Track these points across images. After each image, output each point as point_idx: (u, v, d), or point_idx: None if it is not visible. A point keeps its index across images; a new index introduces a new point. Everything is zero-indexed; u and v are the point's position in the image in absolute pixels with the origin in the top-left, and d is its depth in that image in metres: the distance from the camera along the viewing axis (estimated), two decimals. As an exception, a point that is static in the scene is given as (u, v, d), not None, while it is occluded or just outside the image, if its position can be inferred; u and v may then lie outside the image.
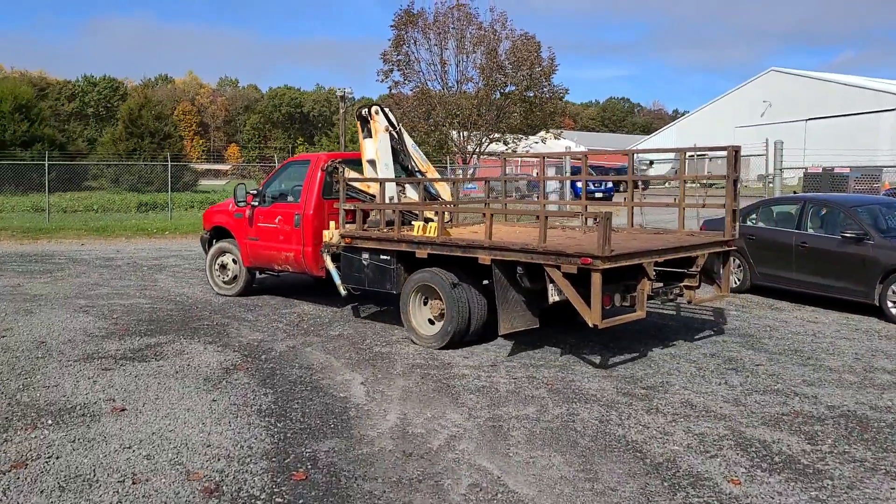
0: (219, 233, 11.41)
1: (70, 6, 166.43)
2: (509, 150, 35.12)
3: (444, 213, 8.25)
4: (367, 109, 9.78)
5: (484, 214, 8.10)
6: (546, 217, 7.26)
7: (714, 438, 5.40)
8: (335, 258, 9.24)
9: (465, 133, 35.28)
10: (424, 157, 10.62)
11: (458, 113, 34.11)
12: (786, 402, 6.24)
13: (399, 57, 35.11)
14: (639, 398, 6.36)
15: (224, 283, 11.33)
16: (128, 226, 22.39)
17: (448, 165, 31.05)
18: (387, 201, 9.12)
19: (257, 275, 11.40)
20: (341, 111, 24.77)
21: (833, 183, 16.43)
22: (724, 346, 8.27)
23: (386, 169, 9.67)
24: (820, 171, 17.29)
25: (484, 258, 7.43)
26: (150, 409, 5.91)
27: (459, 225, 10.29)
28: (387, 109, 9.90)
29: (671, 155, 47.66)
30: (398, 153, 10.03)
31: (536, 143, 36.98)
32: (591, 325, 6.79)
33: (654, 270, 7.44)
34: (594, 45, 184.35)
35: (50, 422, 5.59)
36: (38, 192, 29.12)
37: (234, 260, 11.16)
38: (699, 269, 7.92)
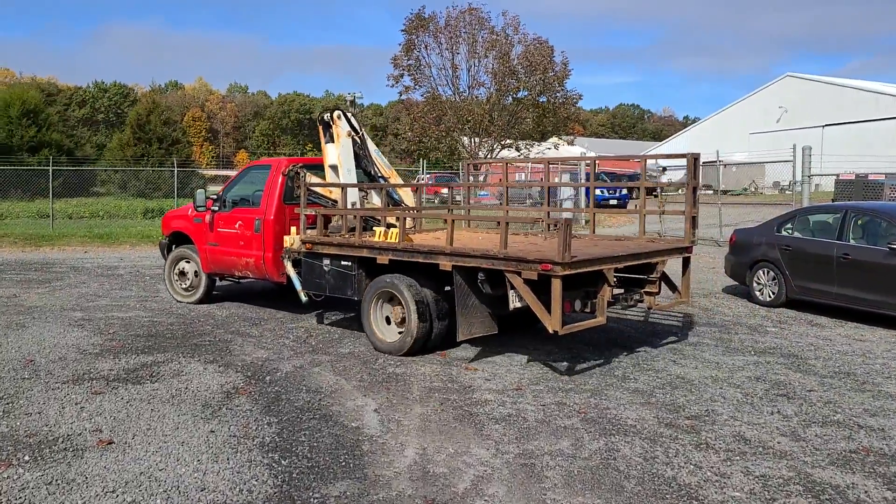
0: (178, 239, 11.15)
1: (81, 13, 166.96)
2: (521, 157, 34.49)
3: (405, 218, 8.13)
4: (328, 114, 9.68)
5: (445, 220, 7.95)
6: (507, 223, 7.19)
7: (779, 482, 4.74)
8: (296, 264, 9.10)
9: (477, 139, 34.69)
10: (388, 162, 10.55)
11: (470, 118, 33.53)
12: (851, 437, 5.57)
13: (410, 62, 34.59)
14: (684, 430, 5.70)
15: (183, 289, 11.07)
16: (133, 232, 21.87)
17: (459, 171, 30.42)
18: (349, 207, 9.08)
19: (217, 281, 11.10)
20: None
21: (867, 190, 15.70)
22: (769, 367, 7.60)
23: (348, 174, 9.59)
24: (853, 178, 16.57)
25: (445, 264, 7.37)
26: (140, 441, 5.29)
27: (423, 230, 10.12)
28: (349, 114, 9.78)
29: (682, 162, 46.96)
30: (361, 158, 9.95)
31: (549, 149, 36.35)
32: (550, 331, 6.75)
33: (616, 277, 7.54)
34: (603, 51, 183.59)
35: (27, 458, 4.98)
36: (44, 198, 28.65)
37: (193, 266, 10.91)
38: (659, 276, 7.96)
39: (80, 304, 10.86)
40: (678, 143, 58.74)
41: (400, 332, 7.94)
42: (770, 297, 10.86)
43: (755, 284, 11.12)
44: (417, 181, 30.36)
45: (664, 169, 45.74)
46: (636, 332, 9.24)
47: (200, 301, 10.88)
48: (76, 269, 15.00)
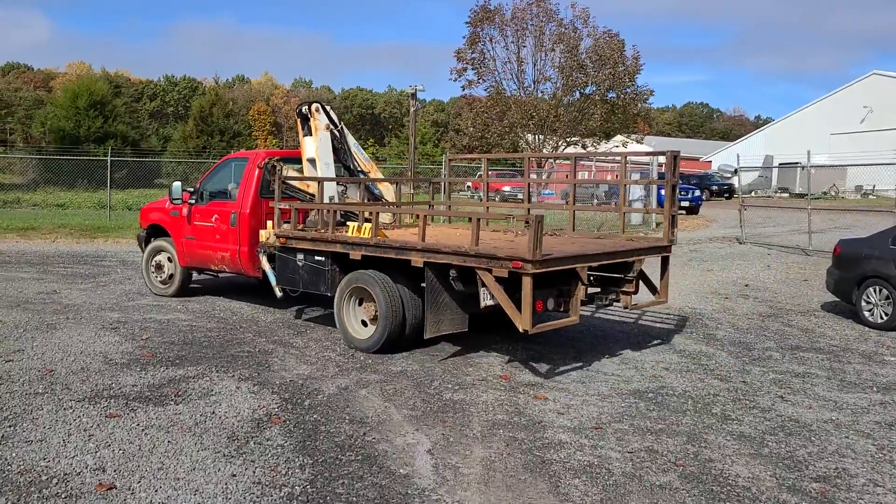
0: (156, 231, 10.99)
1: (158, 10, 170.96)
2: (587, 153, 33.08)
3: (377, 213, 7.91)
4: (306, 106, 9.53)
5: (417, 216, 7.80)
6: (479, 220, 7.07)
7: (962, 591, 3.58)
8: (271, 258, 8.95)
9: (541, 136, 33.46)
10: (367, 156, 10.41)
11: (535, 114, 32.32)
12: None
13: (473, 55, 33.57)
14: (814, 499, 4.55)
15: (160, 282, 10.92)
16: (188, 226, 21.42)
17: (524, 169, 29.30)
18: (326, 201, 8.88)
19: (194, 275, 11.00)
20: (412, 109, 23.50)
21: None
22: (900, 410, 6.33)
23: (326, 168, 9.47)
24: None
25: (416, 260, 7.24)
26: (146, 487, 4.42)
27: (402, 226, 9.92)
28: (328, 107, 9.70)
29: (758, 163, 44.70)
30: (339, 152, 9.81)
31: (616, 146, 34.83)
32: (521, 330, 6.53)
33: (593, 275, 7.58)
34: (672, 48, 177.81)
35: (10, 504, 4.16)
36: (110, 189, 28.67)
37: (169, 259, 10.75)
38: (636, 275, 7.71)
39: (119, 304, 10.20)
40: (752, 142, 56.18)
41: (372, 329, 7.76)
42: (882, 318, 9.48)
43: (864, 304, 9.74)
44: (479, 177, 29.35)
45: (736, 171, 43.76)
46: (729, 355, 8.04)
47: (176, 294, 10.70)
48: (125, 264, 14.47)
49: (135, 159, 32.63)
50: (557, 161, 33.56)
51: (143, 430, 5.37)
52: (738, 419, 6.02)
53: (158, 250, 10.87)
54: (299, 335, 8.63)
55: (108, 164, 23.23)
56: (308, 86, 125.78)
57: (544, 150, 33.46)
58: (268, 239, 8.93)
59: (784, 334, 9.26)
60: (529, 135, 34.09)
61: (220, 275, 10.87)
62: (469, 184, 31.00)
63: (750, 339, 8.91)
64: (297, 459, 4.94)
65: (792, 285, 13.05)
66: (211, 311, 9.86)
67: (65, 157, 30.42)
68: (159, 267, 10.87)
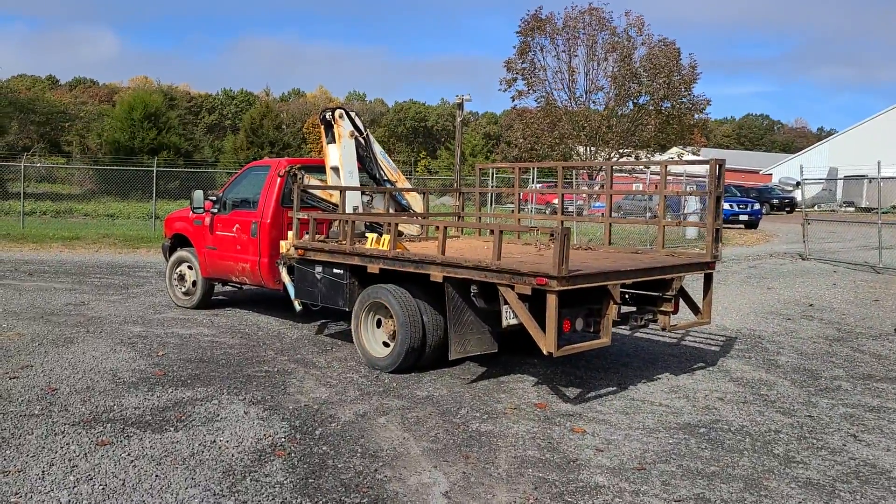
0: (181, 241, 10.67)
1: (221, 27, 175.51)
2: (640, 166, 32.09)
3: (395, 224, 7.47)
4: (330, 112, 9.12)
5: (437, 227, 7.38)
6: (501, 231, 6.50)
7: None
8: (291, 271, 8.59)
9: (593, 148, 32.62)
10: (394, 165, 9.99)
11: (586, 125, 31.51)
12: None
13: (524, 65, 33.04)
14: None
15: (183, 294, 10.64)
16: (231, 237, 21.29)
17: (573, 180, 28.51)
18: (349, 211, 8.57)
19: (218, 286, 10.73)
20: (458, 119, 23.01)
21: None
22: None
23: (350, 177, 9.09)
24: None
25: (436, 275, 6.78)
26: (117, 532, 3.92)
27: (431, 238, 9.38)
28: (353, 113, 9.33)
29: (823, 176, 42.89)
30: (365, 160, 9.44)
31: (672, 158, 33.76)
32: (545, 352, 6.05)
33: (629, 293, 7.23)
34: (732, 60, 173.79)
35: (-37, 549, 3.71)
36: (163, 200, 28.89)
37: (192, 270, 10.45)
38: (675, 293, 7.15)
39: (144, 317, 9.87)
40: (815, 154, 54.17)
41: (390, 347, 7.36)
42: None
43: (946, 328, 8.79)
44: (530, 189, 28.68)
45: (798, 184, 41.98)
46: (792, 385, 7.22)
47: (198, 307, 10.41)
48: (161, 275, 14.20)
49: (183, 170, 32.86)
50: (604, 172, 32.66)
51: (132, 460, 4.88)
52: (804, 462, 5.26)
53: (181, 261, 10.58)
54: (324, 353, 8.12)
55: (154, 174, 23.29)
56: (362, 99, 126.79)
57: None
58: (287, 250, 8.54)
59: (854, 361, 8.37)
60: (581, 146, 33.30)
61: (244, 287, 10.49)
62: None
63: (816, 366, 8.06)
64: (294, 501, 4.38)
65: (861, 306, 12.04)
66: (237, 326, 9.45)
67: (116, 168, 30.81)
68: (182, 278, 10.59)
